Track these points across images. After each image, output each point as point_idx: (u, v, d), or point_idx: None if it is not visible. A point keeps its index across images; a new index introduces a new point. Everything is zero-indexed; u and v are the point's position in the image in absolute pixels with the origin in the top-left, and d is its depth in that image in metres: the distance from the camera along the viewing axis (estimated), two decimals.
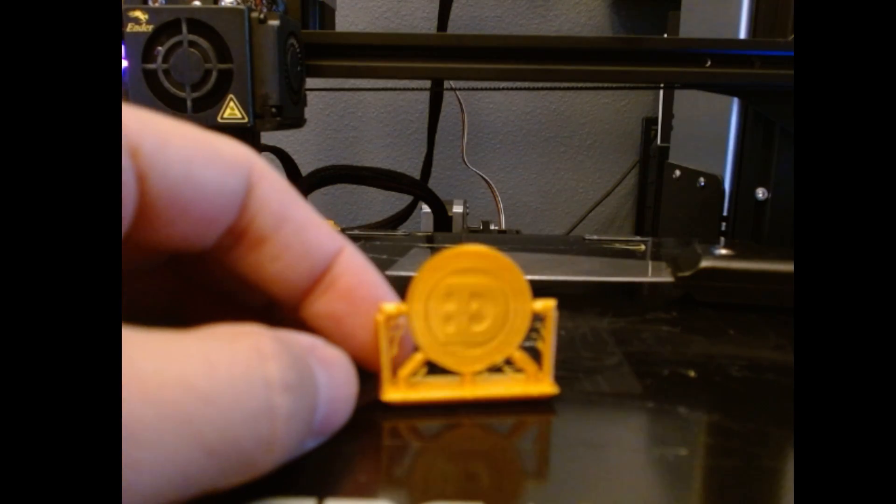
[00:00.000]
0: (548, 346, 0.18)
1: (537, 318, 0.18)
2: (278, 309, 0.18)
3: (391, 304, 0.17)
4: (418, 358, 0.18)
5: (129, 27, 0.35)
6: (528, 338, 0.18)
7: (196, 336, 0.12)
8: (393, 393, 0.17)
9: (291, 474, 0.14)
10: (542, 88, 0.49)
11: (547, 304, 0.18)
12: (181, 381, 0.11)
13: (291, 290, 0.16)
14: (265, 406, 0.12)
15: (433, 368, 0.18)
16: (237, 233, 0.15)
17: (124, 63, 0.35)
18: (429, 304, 0.17)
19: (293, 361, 0.13)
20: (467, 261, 0.17)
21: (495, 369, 0.18)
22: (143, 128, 0.13)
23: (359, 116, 1.03)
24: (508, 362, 0.18)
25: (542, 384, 0.18)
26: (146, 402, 0.11)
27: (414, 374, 0.18)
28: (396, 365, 0.18)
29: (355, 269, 0.17)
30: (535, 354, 0.18)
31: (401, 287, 0.17)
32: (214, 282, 0.18)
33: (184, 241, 0.15)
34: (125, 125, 0.13)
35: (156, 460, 0.10)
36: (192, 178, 0.14)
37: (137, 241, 0.14)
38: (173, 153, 0.13)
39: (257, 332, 0.13)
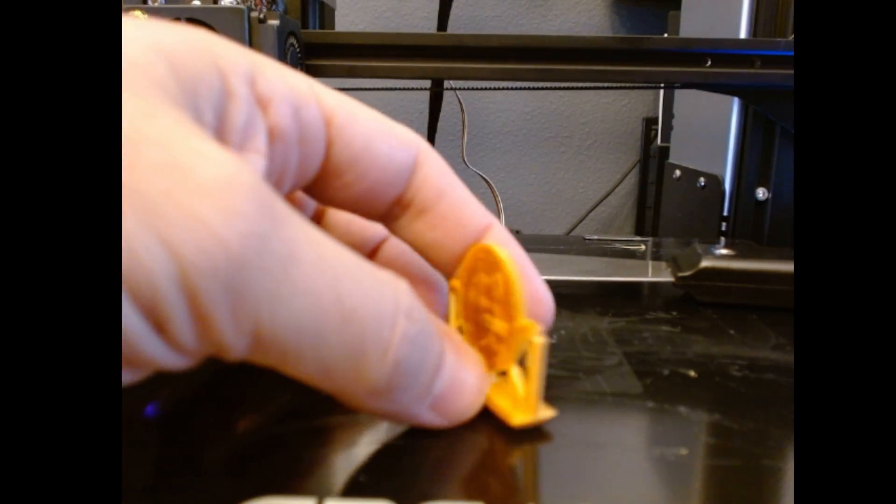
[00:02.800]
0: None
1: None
2: None
3: (540, 326, 0.16)
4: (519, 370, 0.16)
5: None
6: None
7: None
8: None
9: (292, 474, 0.14)
10: (543, 88, 0.48)
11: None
12: (322, 241, 0.13)
13: (446, 256, 0.18)
14: (391, 314, 0.13)
15: None
16: (404, 203, 0.18)
17: None
18: None
19: (421, 315, 0.14)
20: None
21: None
22: (339, 104, 0.16)
23: None
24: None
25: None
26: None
27: None
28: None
29: (501, 242, 0.18)
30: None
31: None
32: None
33: (358, 204, 0.17)
34: (321, 95, 0.16)
35: (311, 282, 0.12)
36: (371, 150, 0.16)
37: (318, 197, 0.17)
38: (359, 128, 0.16)
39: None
